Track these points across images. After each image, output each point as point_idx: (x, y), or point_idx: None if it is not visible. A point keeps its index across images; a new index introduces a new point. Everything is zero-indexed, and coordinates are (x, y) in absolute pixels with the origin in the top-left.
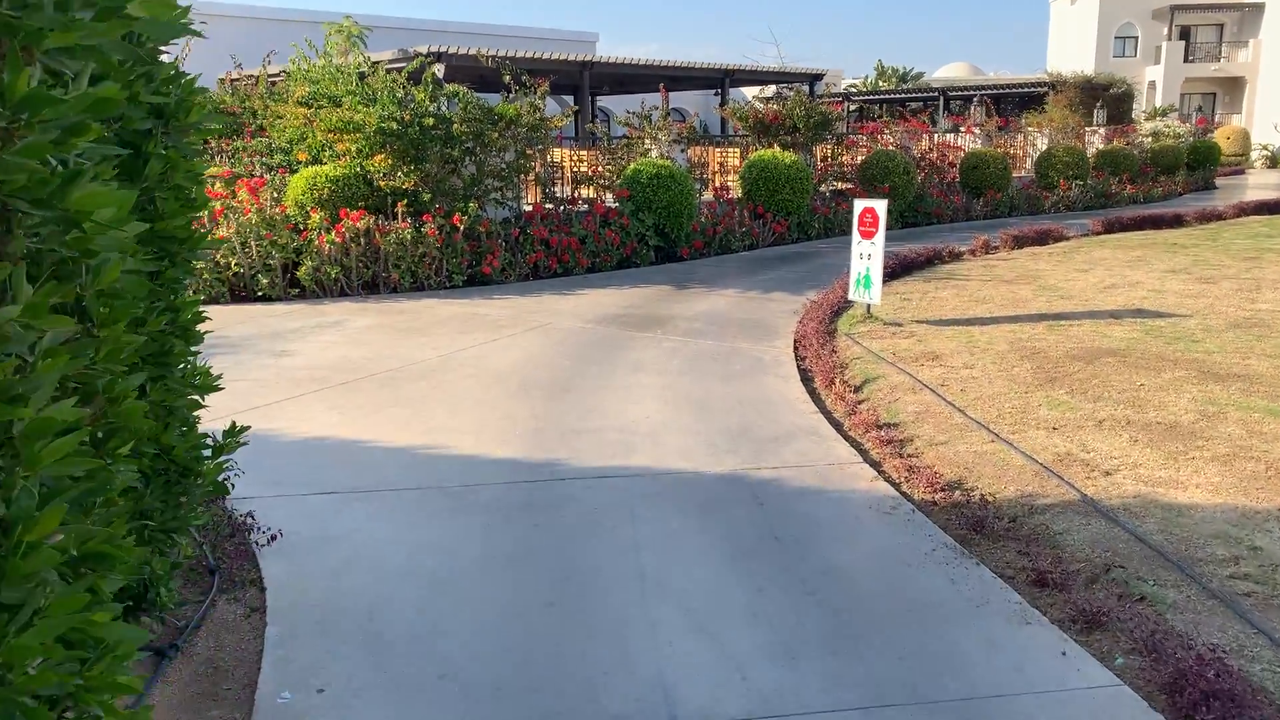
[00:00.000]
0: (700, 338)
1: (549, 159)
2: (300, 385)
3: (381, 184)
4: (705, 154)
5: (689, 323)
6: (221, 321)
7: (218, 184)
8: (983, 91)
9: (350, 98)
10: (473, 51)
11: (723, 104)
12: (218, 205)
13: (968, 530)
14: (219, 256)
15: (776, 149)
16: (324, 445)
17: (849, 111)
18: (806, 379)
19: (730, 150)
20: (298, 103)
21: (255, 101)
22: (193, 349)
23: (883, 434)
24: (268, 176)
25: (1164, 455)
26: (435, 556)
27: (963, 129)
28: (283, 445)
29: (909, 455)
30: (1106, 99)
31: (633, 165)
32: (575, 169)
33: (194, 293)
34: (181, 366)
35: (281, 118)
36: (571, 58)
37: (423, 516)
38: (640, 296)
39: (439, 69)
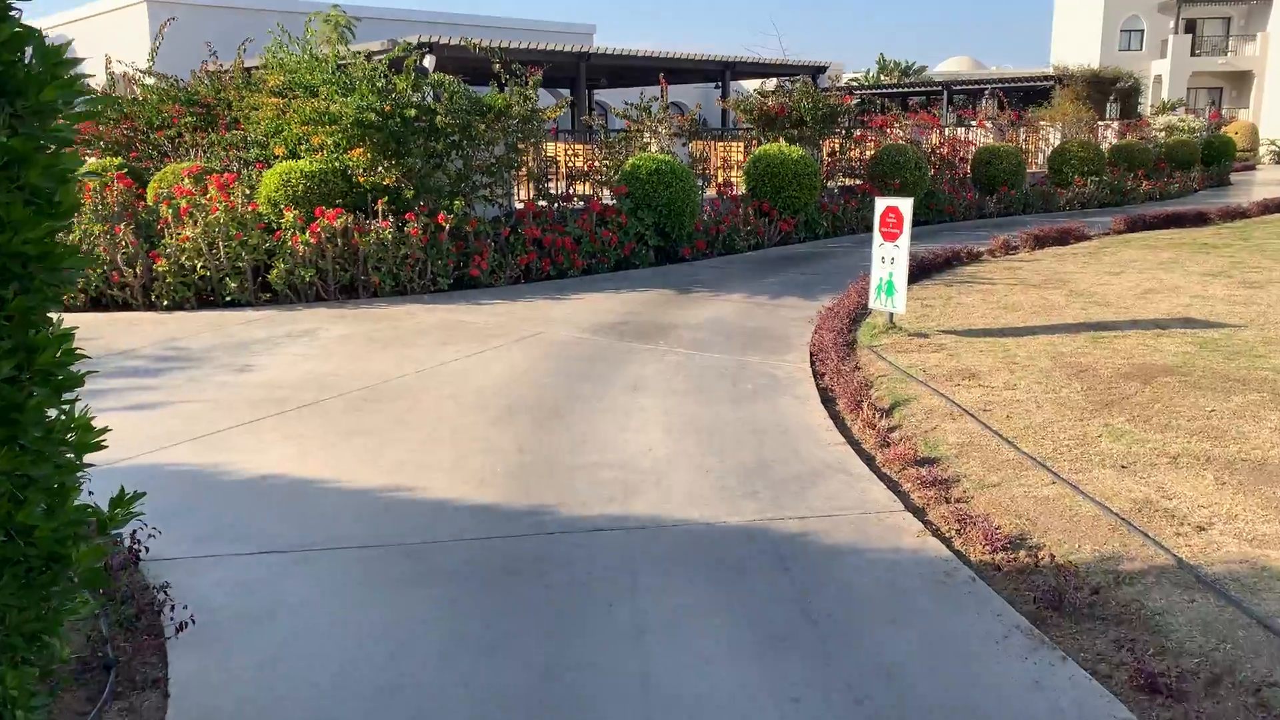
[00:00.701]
0: (706, 350)
1: (542, 153)
2: (258, 408)
3: (361, 180)
4: (707, 148)
5: (694, 332)
6: (183, 330)
7: (185, 180)
8: (987, 85)
9: (327, 87)
10: (462, 42)
11: (724, 97)
12: (183, 203)
13: (1043, 606)
14: (184, 259)
15: (782, 143)
16: (273, 486)
17: (851, 106)
18: (827, 399)
19: (733, 145)
20: (271, 92)
21: (230, 92)
22: (65, 396)
23: (923, 472)
24: (244, 171)
25: (1261, 503)
26: (388, 645)
27: (974, 123)
28: (225, 486)
29: (957, 501)
30: (1114, 93)
31: (631, 160)
32: (570, 164)
33: (158, 299)
34: (45, 421)
35: (256, 109)
36: (568, 49)
37: (378, 587)
38: (640, 302)
39: (429, 60)
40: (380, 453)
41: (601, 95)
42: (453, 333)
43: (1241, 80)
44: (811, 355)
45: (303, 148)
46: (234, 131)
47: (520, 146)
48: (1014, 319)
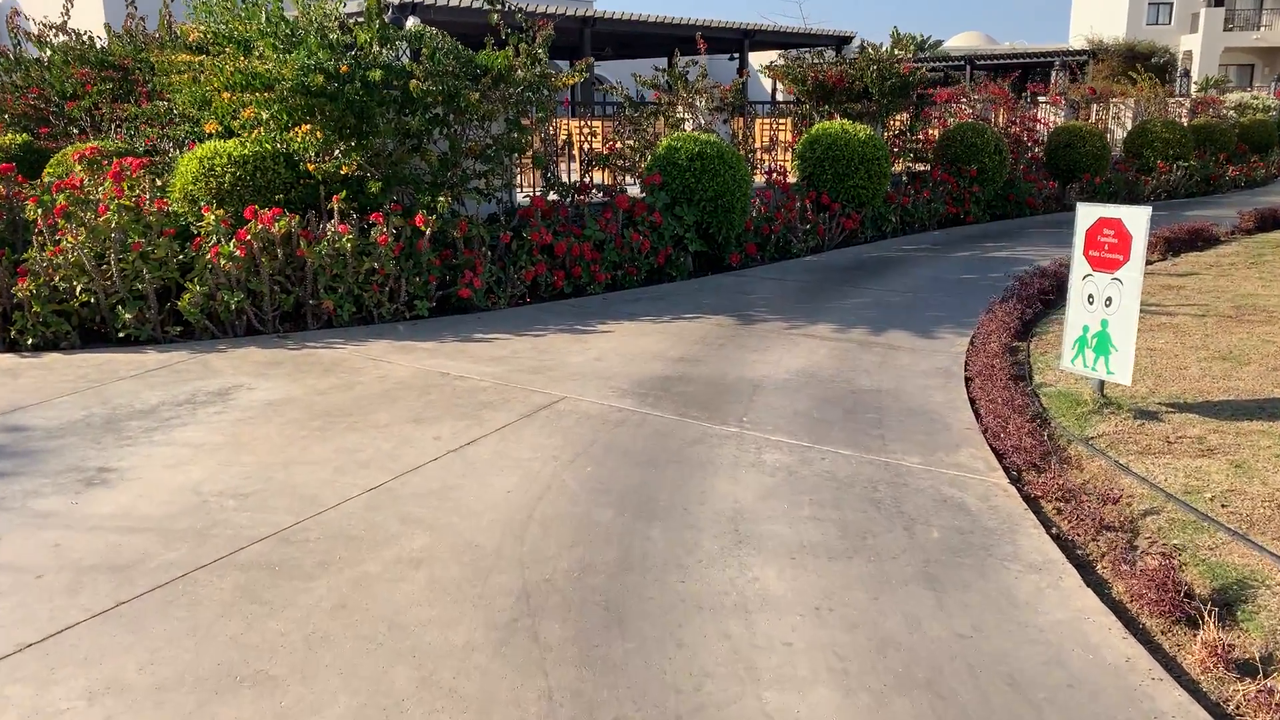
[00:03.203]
0: (824, 438)
1: (555, 132)
2: (77, 590)
3: (310, 169)
4: (749, 127)
5: (788, 398)
6: (38, 390)
7: (78, 167)
8: (1012, 60)
9: (264, 40)
10: (454, 3)
11: (742, 69)
12: (60, 200)
13: None
14: (59, 279)
15: (840, 120)
16: None
17: (926, 74)
18: (1082, 564)
19: (781, 122)
20: (189, 48)
21: (153, 52)
22: None
23: None
24: (174, 154)
25: None
26: None
27: (1045, 98)
28: None
29: None
30: (1149, 69)
31: (666, 141)
32: (586, 145)
33: (21, 336)
34: None
35: (176, 72)
36: (570, 12)
37: None
38: (693, 337)
39: (412, 23)
40: None
41: (604, 68)
42: (431, 396)
43: (1275, 56)
44: (998, 454)
45: (237, 123)
46: (156, 102)
47: (525, 123)
48: (1256, 377)
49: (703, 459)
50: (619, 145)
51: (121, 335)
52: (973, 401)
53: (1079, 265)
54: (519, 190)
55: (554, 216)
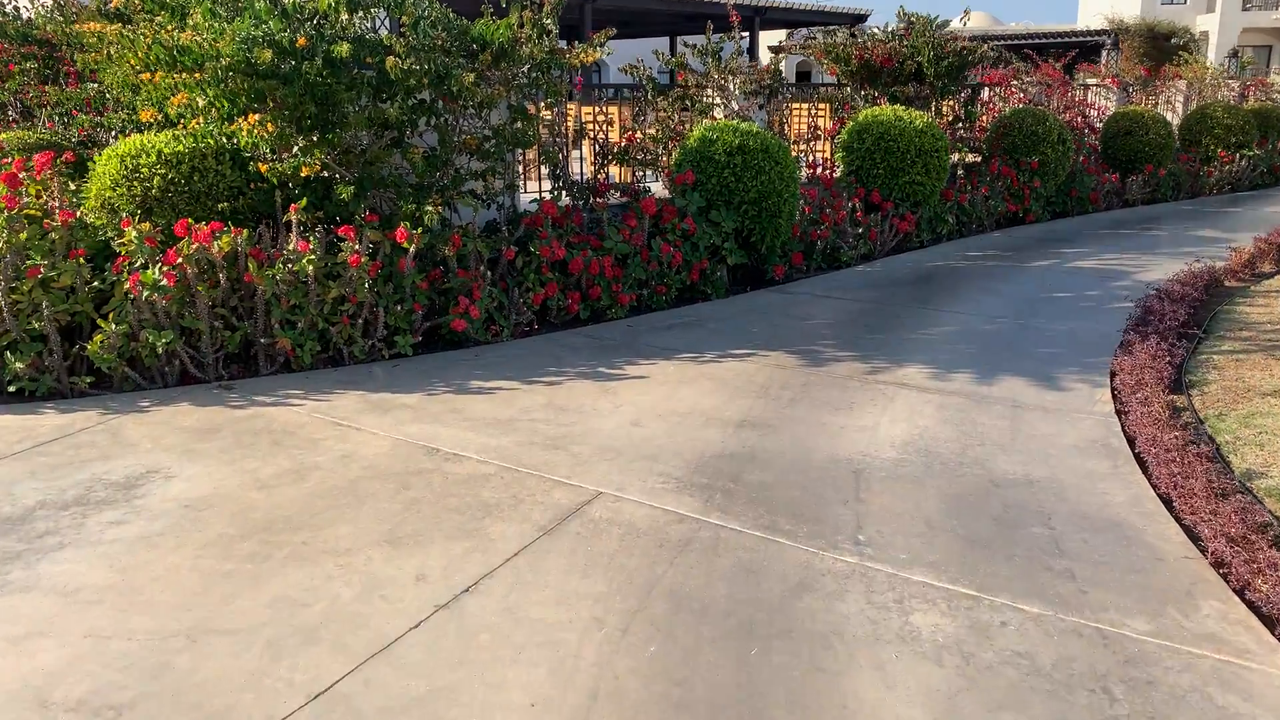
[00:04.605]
0: (991, 582)
1: (564, 121)
2: None
3: (262, 169)
4: (784, 113)
5: (907, 496)
6: None
7: None
8: (1026, 41)
9: (199, 6)
10: None
11: (751, 50)
12: None
13: None
14: None
15: (887, 105)
16: None
17: (986, 53)
18: None
19: (819, 108)
20: (106, 15)
21: (85, 26)
22: None
23: None
24: (115, 142)
25: None
26: None
27: (1095, 80)
28: None
29: None
30: (1170, 50)
31: (698, 132)
32: (601, 135)
33: None
34: None
35: (85, 47)
36: None
37: None
38: (749, 386)
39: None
40: None
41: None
42: (414, 491)
43: None
44: (1257, 612)
45: (174, 111)
46: (86, 85)
47: (532, 110)
48: None
49: (821, 626)
50: (638, 136)
51: (12, 389)
52: (1166, 501)
53: None
54: (523, 191)
55: (567, 225)
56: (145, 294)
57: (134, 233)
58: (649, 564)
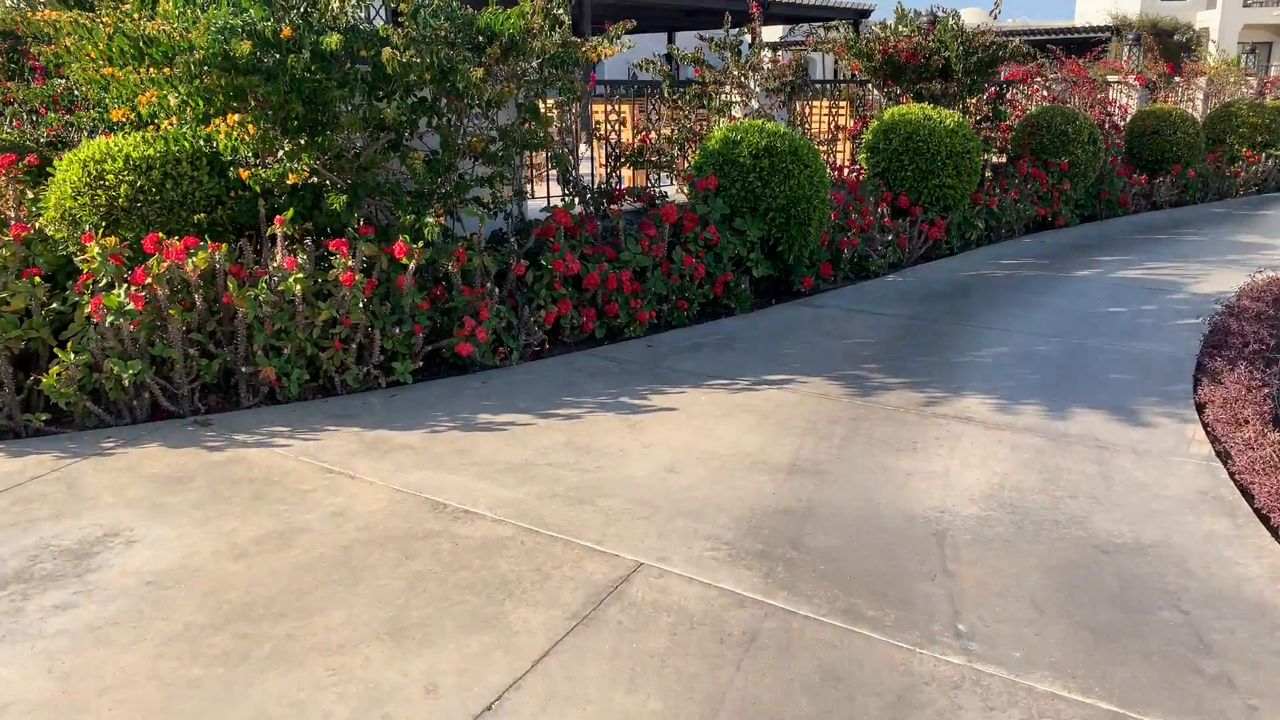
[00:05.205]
0: (1132, 695)
1: (573, 120)
2: None
3: (244, 176)
4: (804, 110)
5: (1003, 570)
6: None
7: None
8: (1028, 38)
9: None
10: None
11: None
12: None
13: None
14: None
15: (912, 104)
16: None
17: (1020, 46)
18: None
19: (839, 106)
20: (64, 3)
21: (41, 14)
22: None
23: None
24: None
25: None
26: None
27: (1115, 77)
28: None
29: None
30: (1173, 46)
31: (720, 131)
32: (614, 135)
33: None
34: None
35: (39, 38)
36: None
37: None
38: (794, 421)
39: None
40: None
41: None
42: (419, 564)
43: None
44: None
45: (146, 110)
46: (54, 80)
47: (546, 109)
48: None
49: None
50: (653, 136)
51: None
52: None
53: None
54: (529, 195)
55: (580, 235)
56: (109, 319)
57: (97, 248)
58: (710, 668)
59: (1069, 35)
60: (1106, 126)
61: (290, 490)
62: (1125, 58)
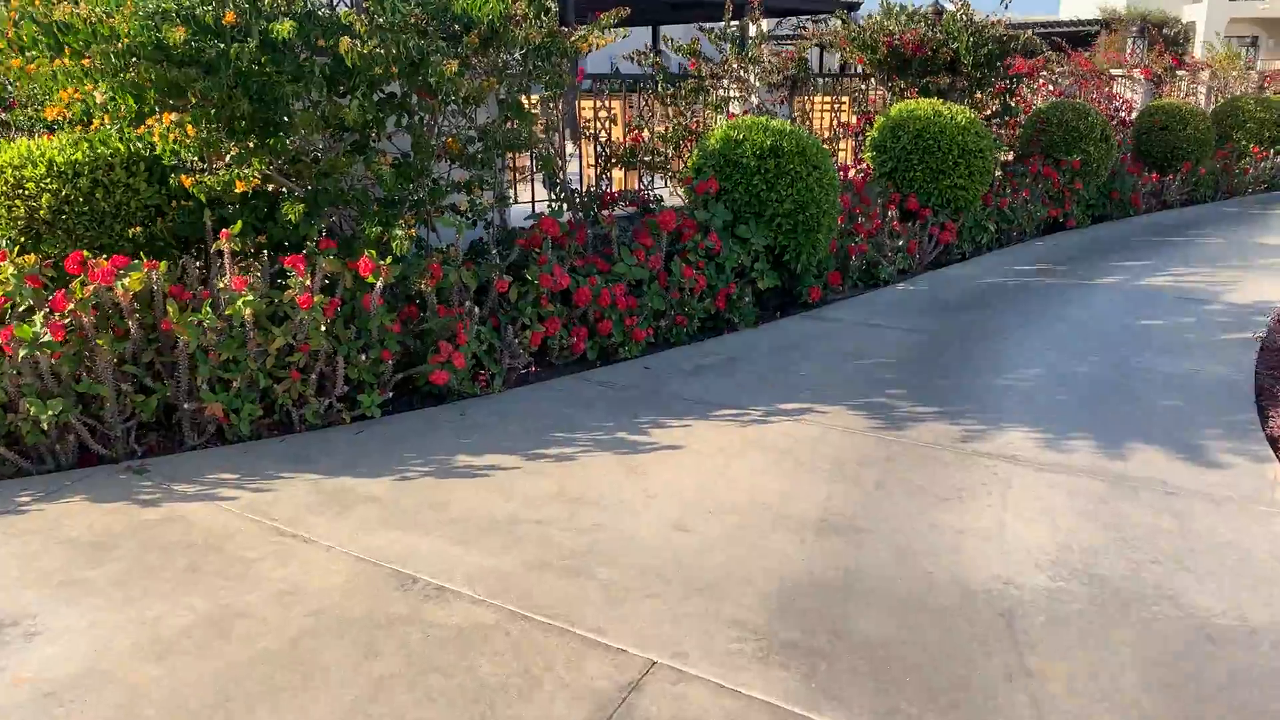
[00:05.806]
0: None
1: (559, 116)
2: None
3: (186, 183)
4: (807, 107)
5: (1093, 667)
6: None
7: None
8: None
9: None
10: None
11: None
12: None
13: None
14: None
15: (920, 100)
16: None
17: (1034, 38)
18: None
19: (841, 101)
20: None
21: None
22: None
23: None
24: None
25: None
26: None
27: (1120, 71)
28: None
29: None
30: (1162, 40)
31: (720, 130)
32: (604, 133)
33: None
34: None
35: None
36: None
37: None
38: (819, 461)
39: None
40: None
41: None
42: (384, 664)
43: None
44: None
45: (77, 108)
46: None
47: (530, 105)
48: None
49: None
50: (646, 135)
51: None
52: None
53: None
54: (511, 200)
55: (569, 245)
56: (22, 352)
57: (11, 269)
58: None
59: (1054, 29)
60: (1115, 122)
61: (232, 559)
62: (1129, 50)
